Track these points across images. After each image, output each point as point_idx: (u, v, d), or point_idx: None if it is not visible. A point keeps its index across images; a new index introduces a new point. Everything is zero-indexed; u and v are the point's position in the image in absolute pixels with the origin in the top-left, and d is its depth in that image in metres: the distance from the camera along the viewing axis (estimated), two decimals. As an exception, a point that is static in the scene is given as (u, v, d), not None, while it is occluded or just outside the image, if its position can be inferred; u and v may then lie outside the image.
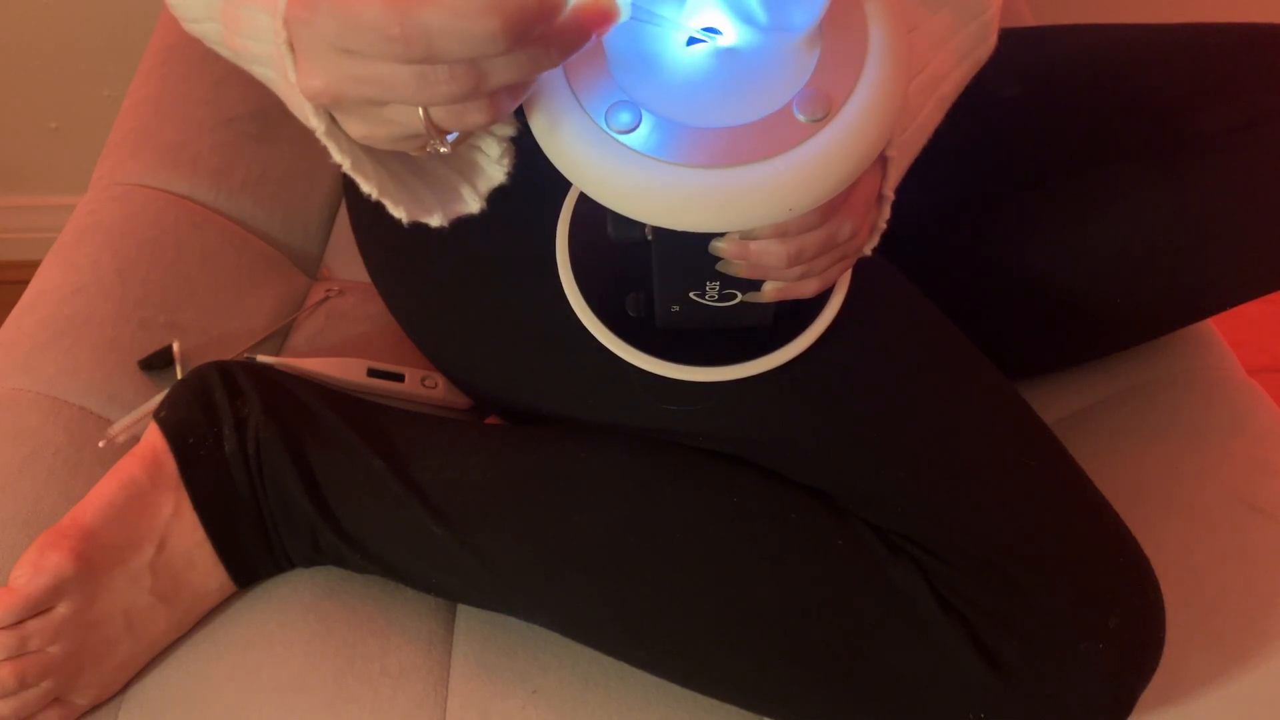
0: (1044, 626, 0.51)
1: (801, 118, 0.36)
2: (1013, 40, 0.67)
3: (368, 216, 0.66)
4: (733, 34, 0.37)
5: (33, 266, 0.75)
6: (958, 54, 0.51)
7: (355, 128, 0.37)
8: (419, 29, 0.29)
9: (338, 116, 0.37)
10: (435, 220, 0.42)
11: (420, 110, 0.34)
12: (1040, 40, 0.69)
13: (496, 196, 0.53)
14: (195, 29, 0.44)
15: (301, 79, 0.34)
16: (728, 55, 0.37)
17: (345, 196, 0.71)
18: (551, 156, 0.37)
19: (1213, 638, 0.61)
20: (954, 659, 0.51)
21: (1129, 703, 0.52)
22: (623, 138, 0.36)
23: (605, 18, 0.32)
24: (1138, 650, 0.52)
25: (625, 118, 0.36)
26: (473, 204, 0.43)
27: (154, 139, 0.82)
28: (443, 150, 0.36)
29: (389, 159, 0.41)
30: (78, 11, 1.20)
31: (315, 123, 0.36)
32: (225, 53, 0.42)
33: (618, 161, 0.36)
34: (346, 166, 0.38)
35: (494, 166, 0.43)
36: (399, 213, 0.40)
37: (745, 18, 0.37)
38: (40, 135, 1.32)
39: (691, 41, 0.37)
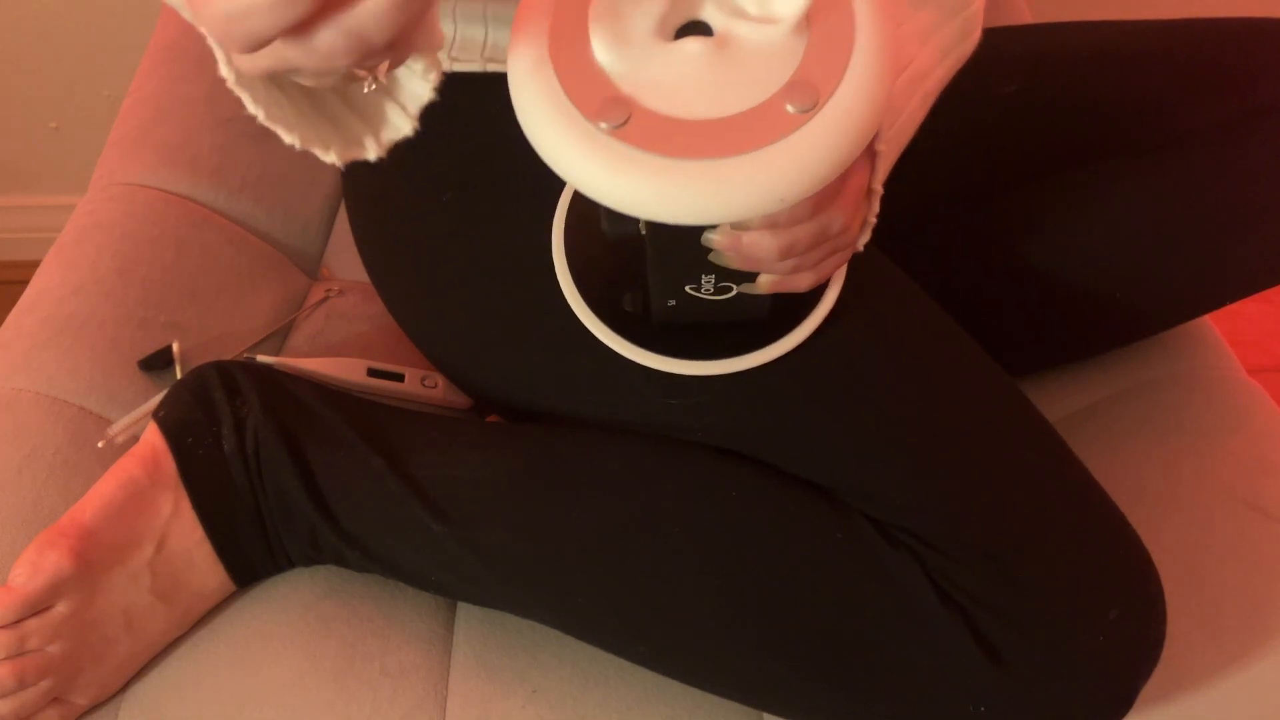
0: (1043, 618, 0.51)
1: (790, 108, 0.36)
2: (1009, 36, 0.67)
3: (366, 216, 0.66)
4: (720, 26, 0.37)
5: (33, 266, 0.76)
6: (940, 50, 0.51)
7: (264, 65, 0.35)
8: None
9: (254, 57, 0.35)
10: (371, 154, 0.40)
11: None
12: (1036, 36, 0.69)
13: (493, 196, 0.53)
14: None
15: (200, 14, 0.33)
16: (715, 47, 0.37)
17: (345, 196, 0.71)
18: (542, 155, 0.37)
19: (1213, 636, 0.61)
20: (953, 651, 0.51)
21: (1129, 696, 0.52)
22: (613, 133, 0.36)
23: None
24: (1138, 642, 0.52)
25: (615, 113, 0.36)
26: (405, 126, 0.40)
27: (154, 139, 0.82)
28: (372, 87, 0.36)
29: (305, 105, 0.39)
30: (77, 11, 1.20)
31: (225, 73, 0.35)
32: (187, 14, 0.41)
33: (609, 157, 0.36)
34: (261, 118, 0.37)
35: (419, 83, 0.40)
36: (330, 157, 0.38)
37: (732, 9, 0.37)
38: (40, 135, 1.32)
39: (679, 34, 0.37)
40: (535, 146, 0.37)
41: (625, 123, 0.36)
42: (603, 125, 0.36)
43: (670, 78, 0.36)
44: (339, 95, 0.41)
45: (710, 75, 0.36)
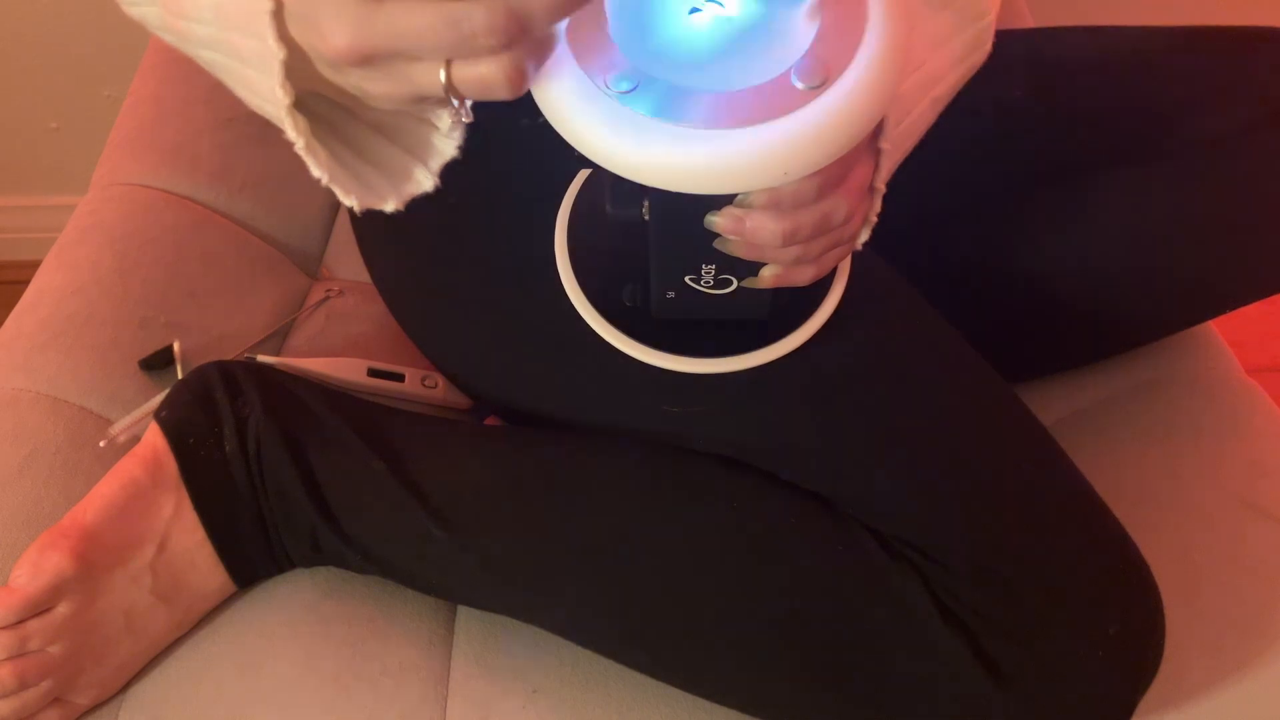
0: (1043, 634, 0.51)
1: (799, 85, 0.36)
2: (1013, 42, 0.67)
3: (368, 217, 0.66)
4: (734, 3, 0.38)
5: (33, 266, 0.76)
6: (954, 57, 0.51)
7: (376, 85, 0.36)
8: None
9: (359, 74, 0.36)
10: (389, 206, 0.41)
11: (441, 73, 0.33)
12: (1041, 42, 0.69)
13: (496, 200, 0.53)
14: (134, 12, 0.43)
15: (325, 41, 0.33)
16: (728, 24, 0.37)
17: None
18: (551, 118, 0.38)
19: (1212, 639, 0.61)
20: (953, 666, 0.51)
21: (1128, 709, 0.52)
22: (622, 99, 0.36)
23: None
24: (1137, 657, 0.52)
25: (625, 81, 0.36)
26: (426, 183, 0.42)
27: (154, 139, 0.83)
28: (465, 119, 0.36)
29: (340, 148, 0.40)
30: (78, 11, 1.20)
31: (280, 96, 0.35)
32: (169, 37, 0.41)
33: (617, 123, 0.36)
34: (299, 147, 0.37)
35: (445, 141, 0.41)
36: (350, 201, 0.39)
37: None
38: (40, 135, 1.33)
39: (693, 11, 0.38)
40: (544, 110, 0.38)
41: (634, 89, 0.36)
42: (612, 91, 0.36)
43: (681, 49, 0.37)
44: (370, 146, 0.41)
45: (721, 49, 0.37)
